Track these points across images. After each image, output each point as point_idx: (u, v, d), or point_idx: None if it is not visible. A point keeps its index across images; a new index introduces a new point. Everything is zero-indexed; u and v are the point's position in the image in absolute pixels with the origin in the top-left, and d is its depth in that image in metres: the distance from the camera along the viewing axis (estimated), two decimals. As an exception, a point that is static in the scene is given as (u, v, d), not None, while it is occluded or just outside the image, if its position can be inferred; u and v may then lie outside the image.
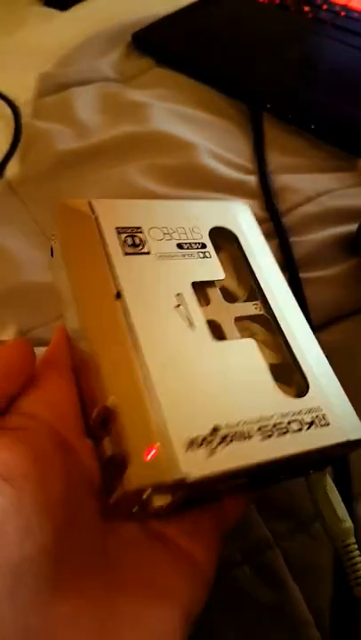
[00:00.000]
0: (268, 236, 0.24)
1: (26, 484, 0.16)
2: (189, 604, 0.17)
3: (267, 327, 0.21)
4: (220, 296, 0.21)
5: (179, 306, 0.19)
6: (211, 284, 0.21)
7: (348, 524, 0.19)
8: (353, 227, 0.32)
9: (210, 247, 0.22)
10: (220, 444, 0.16)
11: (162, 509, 0.16)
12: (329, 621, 0.22)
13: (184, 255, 0.21)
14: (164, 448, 0.16)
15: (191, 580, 0.18)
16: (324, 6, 0.49)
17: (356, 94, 0.40)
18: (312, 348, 0.20)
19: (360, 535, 0.19)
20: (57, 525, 0.16)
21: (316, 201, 0.35)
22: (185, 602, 0.17)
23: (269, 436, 0.17)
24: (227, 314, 0.21)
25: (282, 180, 0.36)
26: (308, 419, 0.18)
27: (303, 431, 0.18)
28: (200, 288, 0.21)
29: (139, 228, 0.21)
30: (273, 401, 0.18)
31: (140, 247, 0.20)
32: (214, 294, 0.21)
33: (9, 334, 0.29)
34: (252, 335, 0.20)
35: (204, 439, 0.16)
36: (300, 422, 0.18)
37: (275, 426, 0.17)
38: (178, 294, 0.20)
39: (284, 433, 0.17)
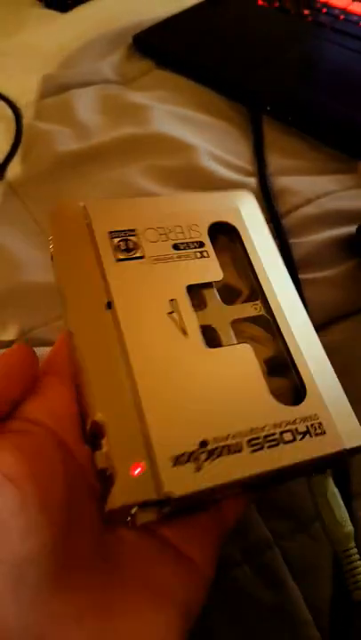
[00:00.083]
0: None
1: (29, 485, 0.16)
2: (188, 604, 0.17)
3: (267, 328, 0.21)
4: (218, 297, 0.21)
5: (172, 312, 0.19)
6: (208, 284, 0.21)
7: (349, 528, 0.19)
8: (352, 228, 0.32)
9: (208, 245, 0.21)
10: (207, 458, 0.16)
11: (150, 523, 0.16)
12: (328, 621, 0.22)
13: (180, 257, 0.20)
14: (148, 466, 0.16)
15: (190, 580, 0.18)
16: (324, 10, 0.49)
17: (356, 96, 0.41)
18: (314, 350, 0.20)
19: (360, 536, 0.19)
20: (58, 526, 0.16)
21: (315, 202, 0.35)
22: (184, 602, 0.17)
23: (260, 448, 0.17)
24: (223, 317, 0.20)
25: (281, 181, 0.36)
26: (302, 428, 0.17)
27: (296, 442, 0.17)
28: (196, 290, 0.20)
29: (133, 230, 0.20)
30: (265, 410, 0.18)
31: (134, 251, 0.20)
32: (211, 296, 0.21)
33: (9, 334, 0.29)
34: (251, 337, 0.20)
35: (190, 454, 0.16)
36: (294, 432, 0.17)
37: (266, 437, 0.17)
38: (172, 300, 0.19)
39: (276, 444, 0.17)
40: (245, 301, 0.21)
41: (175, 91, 0.43)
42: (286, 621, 0.22)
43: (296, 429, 0.17)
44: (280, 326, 0.20)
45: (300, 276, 0.31)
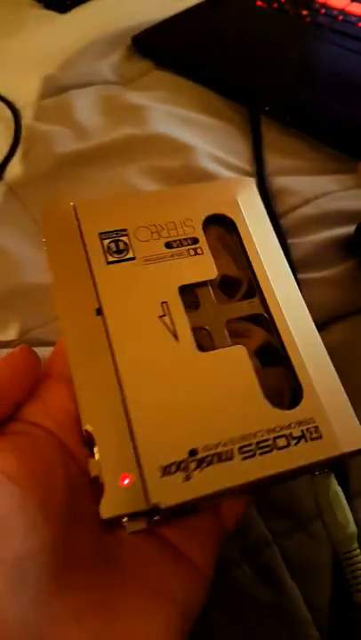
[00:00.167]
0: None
1: (30, 484, 0.16)
2: (188, 604, 0.17)
3: (264, 326, 0.20)
4: (212, 296, 0.20)
5: (164, 316, 0.18)
6: (202, 283, 0.20)
7: (351, 529, 0.18)
8: (351, 228, 0.32)
9: (203, 241, 0.20)
10: (196, 467, 0.16)
11: (143, 531, 0.16)
12: (328, 620, 0.23)
13: (173, 255, 0.20)
14: (137, 476, 0.16)
15: (190, 580, 0.18)
16: (322, 10, 0.49)
17: (355, 96, 0.41)
18: (313, 349, 0.19)
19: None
20: (59, 525, 0.16)
21: (314, 203, 0.35)
22: (183, 602, 0.17)
23: (252, 455, 0.16)
24: (218, 317, 0.20)
25: (280, 182, 0.36)
26: (297, 432, 0.17)
27: (290, 447, 0.17)
28: (189, 290, 0.20)
29: (124, 230, 0.20)
30: (259, 415, 0.17)
31: (125, 253, 0.19)
32: (205, 296, 0.20)
33: (10, 335, 0.29)
34: (247, 335, 0.20)
35: (179, 464, 0.16)
36: (288, 437, 0.17)
37: (258, 444, 0.17)
38: (163, 302, 0.19)
39: (269, 451, 0.16)
40: (245, 294, 0.21)
41: (174, 91, 0.43)
42: (285, 620, 0.22)
43: (291, 434, 0.17)
44: (277, 324, 0.19)
45: (299, 277, 0.31)
